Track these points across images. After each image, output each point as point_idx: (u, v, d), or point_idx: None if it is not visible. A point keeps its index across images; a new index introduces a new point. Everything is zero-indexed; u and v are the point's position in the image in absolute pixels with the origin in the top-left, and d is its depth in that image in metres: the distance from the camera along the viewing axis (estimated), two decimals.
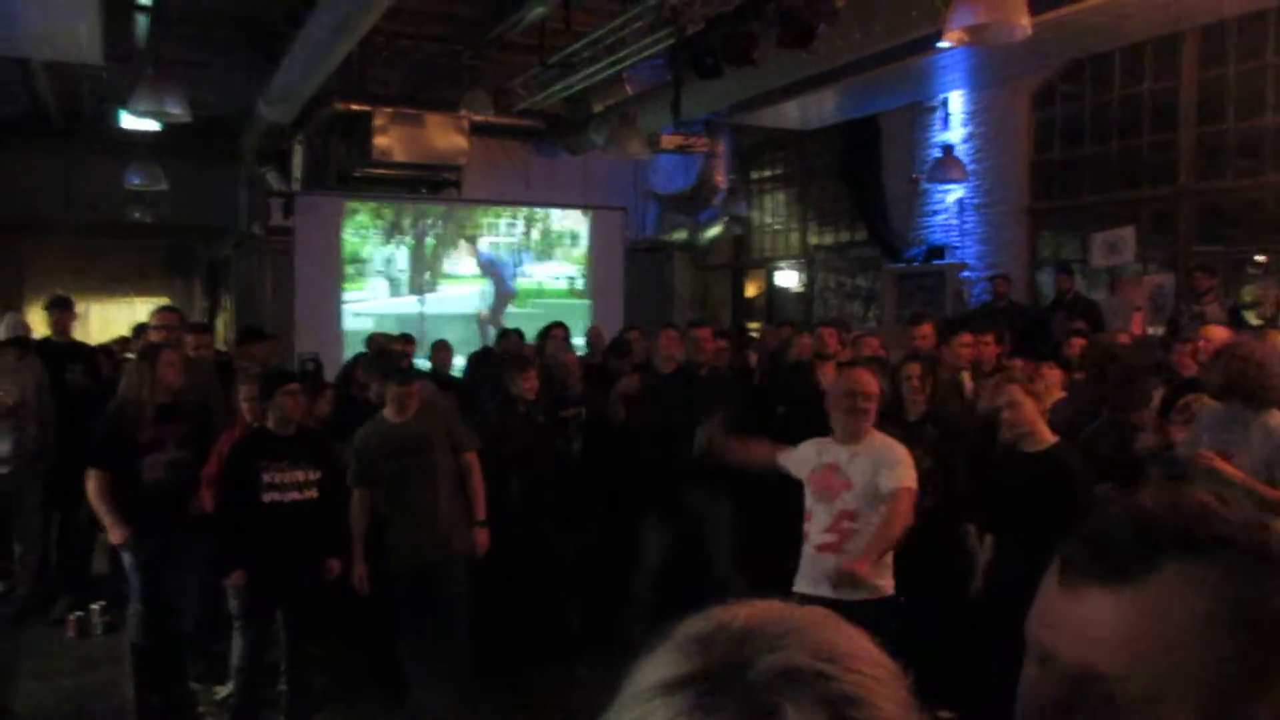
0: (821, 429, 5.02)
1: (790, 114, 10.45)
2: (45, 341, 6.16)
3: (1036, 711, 0.78)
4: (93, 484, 4.47)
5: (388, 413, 4.60)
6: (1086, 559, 0.78)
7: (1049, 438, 3.95)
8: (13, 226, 11.18)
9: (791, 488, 5.02)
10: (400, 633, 4.63)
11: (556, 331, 6.90)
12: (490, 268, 11.28)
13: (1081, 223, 9.33)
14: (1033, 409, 3.93)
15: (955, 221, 10.23)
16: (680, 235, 12.84)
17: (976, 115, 10.06)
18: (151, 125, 10.02)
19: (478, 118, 10.37)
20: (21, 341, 5.66)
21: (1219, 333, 5.04)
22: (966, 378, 5.56)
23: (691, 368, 5.56)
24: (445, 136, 10.66)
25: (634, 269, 11.97)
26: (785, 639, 0.61)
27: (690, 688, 0.59)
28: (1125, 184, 8.92)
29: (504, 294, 11.28)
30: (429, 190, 11.41)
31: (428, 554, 4.51)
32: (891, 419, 4.82)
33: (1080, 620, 0.77)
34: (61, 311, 6.30)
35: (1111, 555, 0.77)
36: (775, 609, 0.65)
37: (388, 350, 5.93)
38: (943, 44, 6.38)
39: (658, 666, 0.62)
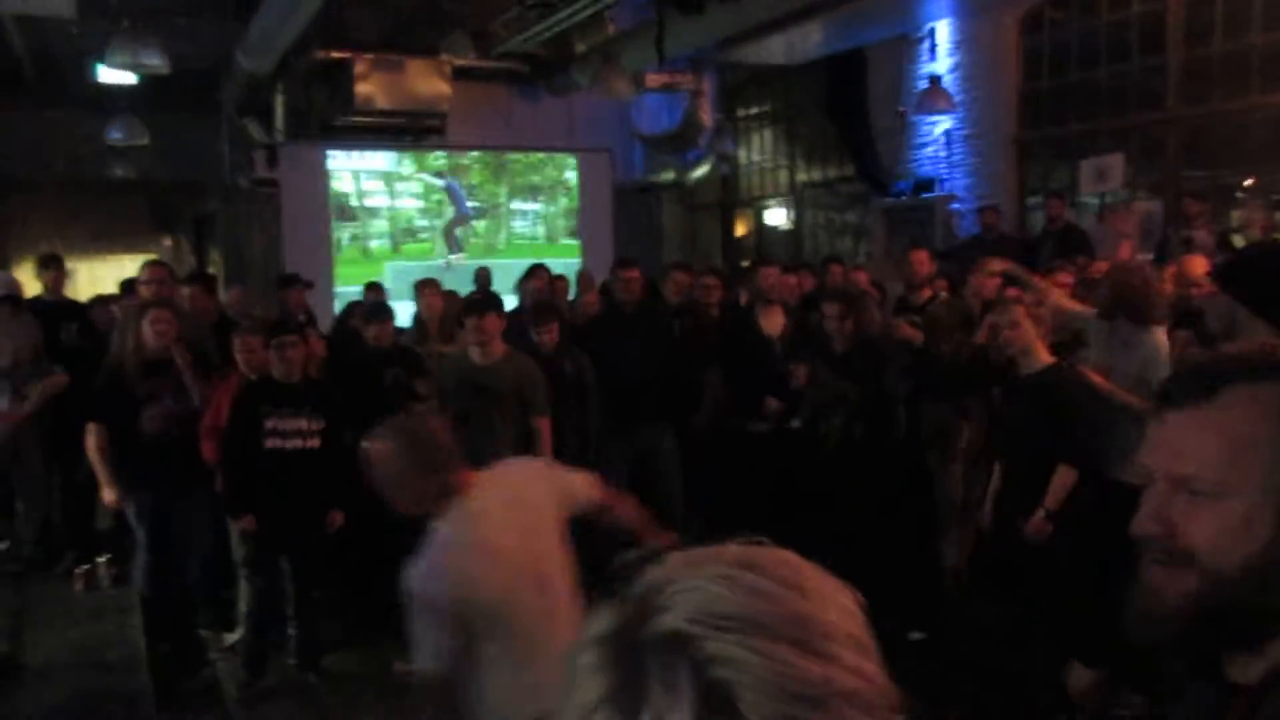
0: (758, 375, 5.14)
1: (776, 49, 10.33)
2: (37, 300, 6.15)
3: (1149, 520, 0.94)
4: (91, 439, 4.52)
5: (471, 351, 4.59)
6: (1173, 390, 0.96)
7: (1045, 359, 4.01)
8: None
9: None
10: None
11: (540, 272, 6.91)
12: (450, 191, 11.36)
13: (1070, 152, 9.31)
14: (1031, 331, 3.98)
15: (943, 153, 10.19)
16: (668, 175, 12.77)
17: (964, 44, 9.96)
18: (129, 78, 9.88)
19: (459, 61, 10.25)
20: (14, 300, 5.65)
21: (1198, 264, 5.05)
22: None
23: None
24: (427, 82, 10.53)
25: (622, 211, 11.92)
26: (676, 598, 0.63)
27: (599, 645, 0.63)
28: (1113, 111, 8.88)
29: (461, 215, 11.36)
30: (413, 137, 11.31)
31: None
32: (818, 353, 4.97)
33: (1168, 438, 0.95)
34: (53, 270, 6.29)
35: (1191, 383, 0.95)
36: (695, 559, 0.67)
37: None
38: None
39: (594, 619, 0.66)
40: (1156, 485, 0.95)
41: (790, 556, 0.68)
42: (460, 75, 10.81)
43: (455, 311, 5.51)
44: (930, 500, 4.98)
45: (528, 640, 2.35)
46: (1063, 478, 3.84)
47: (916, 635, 4.67)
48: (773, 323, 5.66)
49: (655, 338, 5.41)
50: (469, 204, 11.58)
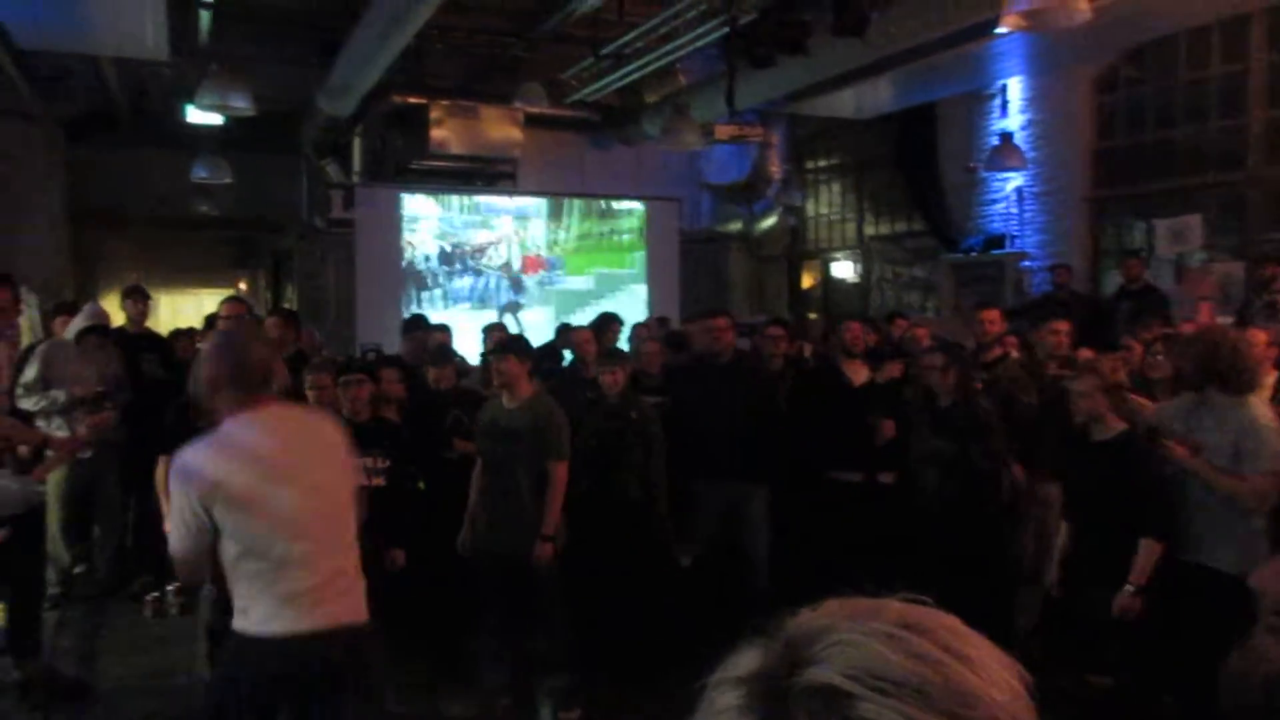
0: (847, 428, 5.06)
1: (845, 102, 10.39)
2: (121, 330, 6.37)
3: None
4: (160, 470, 4.63)
5: (501, 394, 4.66)
6: None
7: (1117, 425, 3.94)
8: (87, 219, 11.52)
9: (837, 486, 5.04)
10: (479, 620, 4.75)
11: (615, 325, 6.99)
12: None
13: (1146, 211, 9.16)
14: (1104, 400, 3.93)
15: (1014, 210, 10.10)
16: (735, 225, 12.83)
17: (1036, 102, 9.91)
18: (216, 119, 10.27)
19: (532, 109, 10.46)
20: (101, 329, 5.86)
21: (1259, 335, 4.93)
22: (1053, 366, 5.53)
23: (709, 357, 5.56)
24: (500, 128, 10.77)
25: (689, 259, 11.99)
26: (833, 650, 0.61)
27: (744, 686, 0.62)
28: (1191, 170, 8.73)
29: (512, 302, 11.51)
30: (484, 182, 11.54)
31: (503, 543, 4.58)
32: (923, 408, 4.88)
33: None
34: (137, 301, 6.52)
35: None
36: (856, 610, 0.65)
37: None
38: (1000, 29, 6.30)
39: (740, 658, 0.64)
40: None
41: (957, 623, 0.65)
42: (532, 122, 11.04)
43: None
44: (1003, 561, 4.87)
45: (271, 557, 2.59)
46: (1149, 553, 3.74)
47: None
48: (856, 375, 5.63)
49: (752, 391, 5.38)
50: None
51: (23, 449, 4.70)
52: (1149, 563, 3.74)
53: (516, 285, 11.39)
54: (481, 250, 11.24)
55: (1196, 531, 3.71)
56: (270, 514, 2.60)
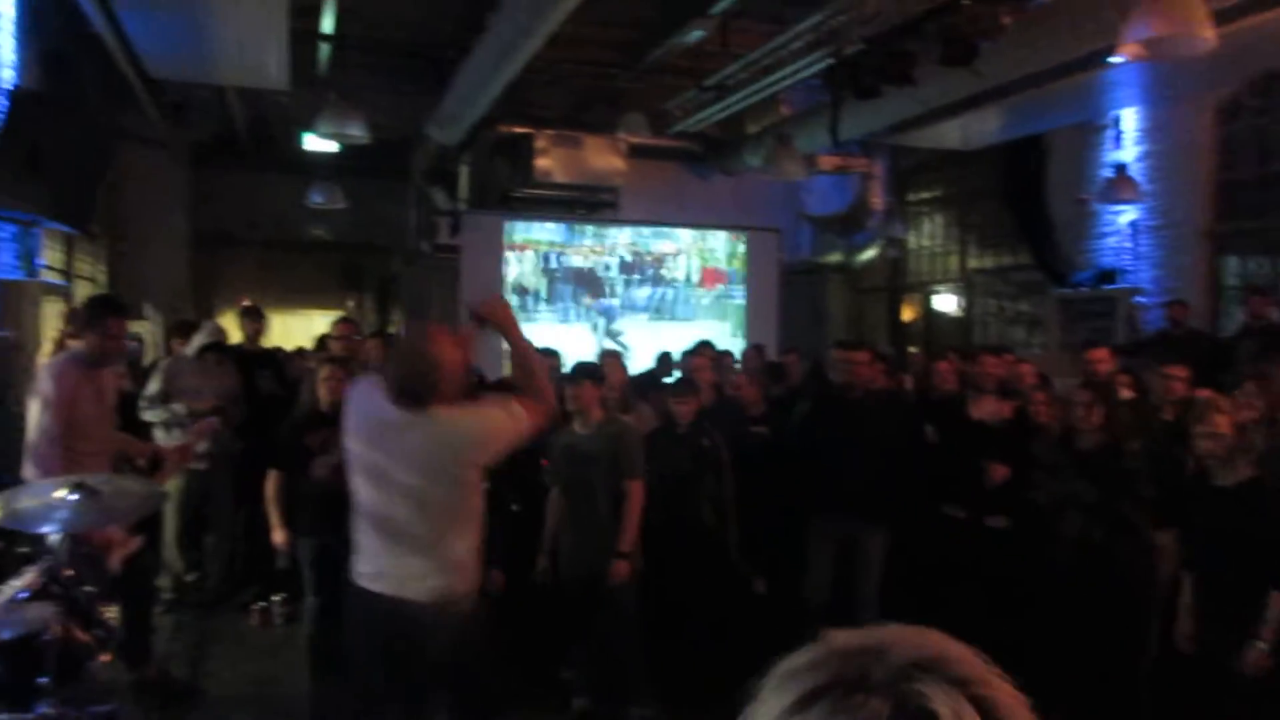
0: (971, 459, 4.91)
1: (951, 134, 10.23)
2: (238, 347, 6.64)
3: None
4: (270, 484, 4.83)
5: (575, 420, 4.74)
6: None
7: (1247, 471, 3.77)
8: (209, 242, 12.07)
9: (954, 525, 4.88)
10: (568, 641, 4.79)
11: (706, 352, 7.00)
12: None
13: (1271, 245, 8.76)
14: (1232, 440, 3.75)
15: (1128, 244, 9.77)
16: (835, 257, 12.72)
17: (1153, 133, 9.59)
18: (332, 147, 10.67)
19: (635, 140, 10.58)
20: (220, 346, 6.13)
21: None
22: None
23: (848, 390, 5.48)
24: (603, 158, 10.92)
25: (788, 291, 11.92)
26: (889, 650, 0.66)
27: (823, 698, 0.64)
28: None
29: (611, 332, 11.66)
30: (586, 211, 11.70)
31: (584, 566, 4.62)
32: (1062, 448, 4.67)
33: None
34: (254, 320, 6.80)
35: None
36: (872, 631, 0.70)
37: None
38: (1117, 58, 6.13)
39: (782, 692, 0.66)
40: None
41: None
42: (634, 152, 11.17)
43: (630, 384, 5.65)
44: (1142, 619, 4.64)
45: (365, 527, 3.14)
46: (1278, 604, 3.55)
47: None
48: (984, 410, 5.48)
49: (895, 427, 5.30)
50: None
51: (139, 461, 4.92)
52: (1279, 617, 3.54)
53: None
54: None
55: None
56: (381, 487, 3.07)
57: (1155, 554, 4.47)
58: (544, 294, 11.68)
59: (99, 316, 4.32)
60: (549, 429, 5.04)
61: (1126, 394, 5.70)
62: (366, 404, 3.15)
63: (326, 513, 4.74)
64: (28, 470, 4.05)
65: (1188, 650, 4.01)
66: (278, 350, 7.61)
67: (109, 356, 4.41)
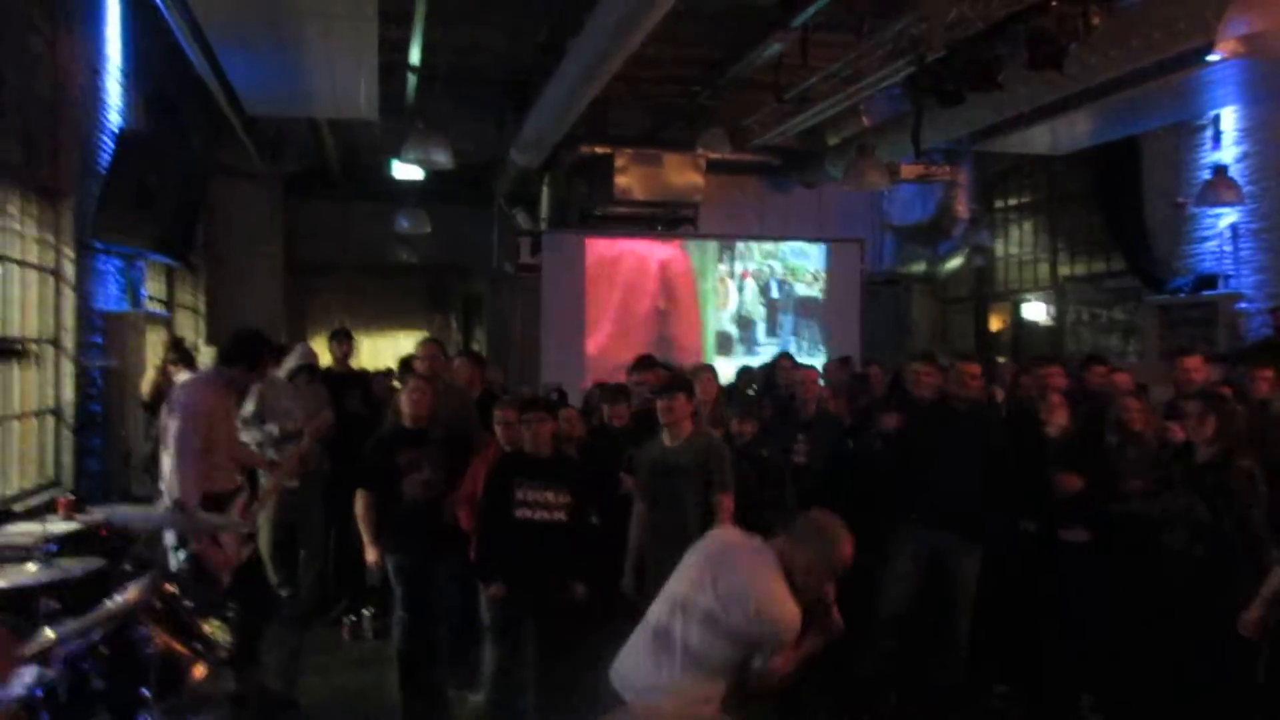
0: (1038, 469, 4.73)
1: (1039, 138, 9.98)
2: (328, 369, 6.82)
3: None
4: (359, 503, 4.94)
5: (662, 434, 4.76)
6: None
7: None
8: (301, 268, 12.45)
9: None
10: None
11: (785, 361, 6.95)
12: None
13: None
14: None
15: (1228, 248, 9.39)
16: (919, 267, 12.51)
17: (1253, 132, 9.21)
18: (417, 174, 10.94)
19: (714, 155, 10.60)
20: (311, 369, 6.30)
21: None
22: None
23: (951, 401, 5.36)
24: (683, 175, 10.96)
25: (871, 301, 11.76)
26: None
27: None
28: None
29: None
30: (666, 227, 11.75)
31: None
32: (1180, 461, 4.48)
33: None
34: (342, 342, 6.98)
35: None
36: None
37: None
38: (1214, 56, 5.91)
39: None
40: None
41: None
42: (714, 167, 11.18)
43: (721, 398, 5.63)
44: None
45: None
46: None
47: None
48: (1055, 423, 5.31)
49: (991, 442, 5.16)
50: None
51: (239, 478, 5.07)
52: None
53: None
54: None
55: None
56: None
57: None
58: (763, 324, 11.61)
59: (258, 353, 4.67)
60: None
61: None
62: None
63: (414, 530, 4.85)
64: (169, 484, 4.26)
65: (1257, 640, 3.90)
66: (365, 372, 7.78)
67: (248, 384, 4.76)
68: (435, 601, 4.98)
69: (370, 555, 4.93)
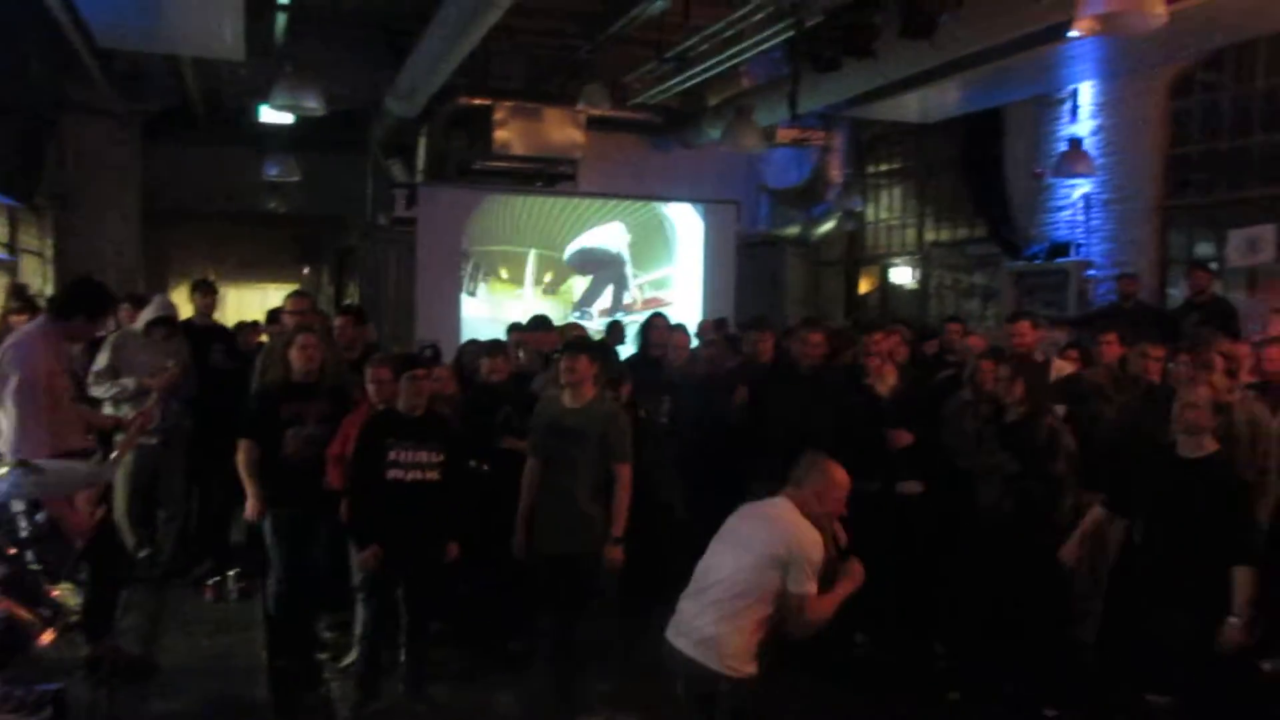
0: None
1: (910, 107, 10.28)
2: (189, 322, 6.54)
3: None
4: (242, 454, 4.78)
5: (563, 393, 4.68)
6: None
7: (1211, 445, 3.87)
8: (161, 215, 11.85)
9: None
10: (532, 617, 4.80)
11: (658, 321, 6.99)
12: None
13: (1218, 221, 8.92)
14: (1211, 415, 3.85)
15: (1081, 218, 9.90)
16: (793, 230, 12.76)
17: (1107, 107, 9.70)
18: (287, 119, 10.51)
19: (594, 111, 10.53)
20: (169, 321, 6.03)
21: None
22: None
23: (795, 365, 5.50)
24: (562, 130, 10.86)
25: (745, 264, 11.95)
26: None
27: None
28: (1267, 180, 8.48)
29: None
30: (545, 183, 11.64)
31: (558, 544, 4.60)
32: (991, 421, 4.76)
33: None
34: (205, 293, 6.70)
35: None
36: None
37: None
38: (1073, 33, 6.18)
39: None
40: None
41: None
42: (594, 124, 11.11)
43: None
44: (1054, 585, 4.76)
45: None
46: (1247, 581, 3.65)
47: (1051, 712, 4.51)
48: (884, 384, 5.52)
49: (830, 404, 5.29)
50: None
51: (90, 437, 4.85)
52: (1250, 592, 3.63)
53: None
54: None
55: None
56: None
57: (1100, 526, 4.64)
58: None
59: (96, 303, 4.47)
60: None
61: (1069, 367, 5.80)
62: None
63: (294, 485, 4.74)
64: (11, 443, 4.04)
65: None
66: (229, 326, 7.51)
67: (89, 336, 4.58)
68: (310, 560, 4.90)
69: (252, 508, 4.79)
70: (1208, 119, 8.96)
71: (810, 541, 3.33)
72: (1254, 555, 3.69)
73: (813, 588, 3.29)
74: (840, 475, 3.50)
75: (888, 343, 5.59)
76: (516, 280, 11.14)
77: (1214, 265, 8.48)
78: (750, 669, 3.29)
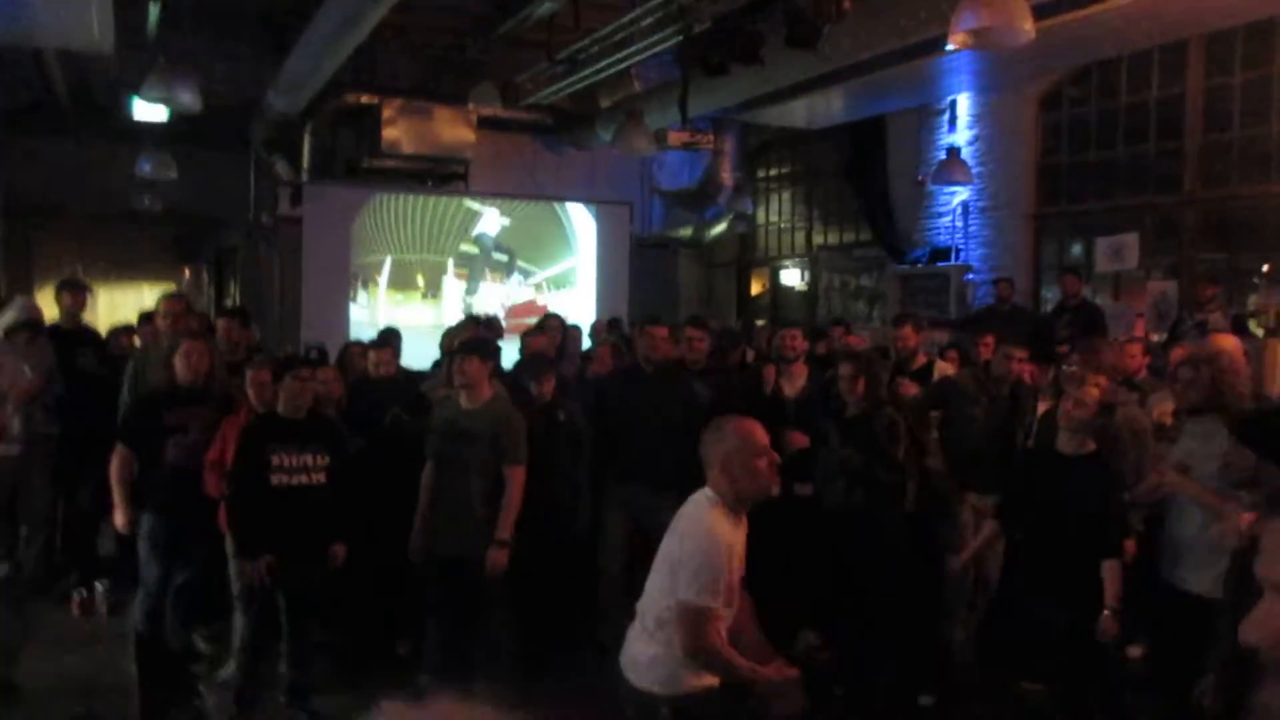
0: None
1: (797, 113, 10.49)
2: (55, 325, 6.21)
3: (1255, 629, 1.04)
4: (116, 463, 4.58)
5: (459, 394, 4.63)
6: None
7: (1089, 444, 4.00)
8: (25, 211, 11.24)
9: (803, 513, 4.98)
10: (422, 621, 4.72)
11: (553, 322, 6.97)
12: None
13: (1087, 228, 9.37)
14: (1094, 414, 3.97)
15: (960, 224, 10.27)
16: (685, 232, 12.89)
17: (983, 118, 10.09)
18: (161, 114, 10.09)
19: (485, 111, 10.42)
20: (33, 325, 5.71)
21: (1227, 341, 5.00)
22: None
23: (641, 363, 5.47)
24: (453, 129, 10.73)
25: (639, 265, 12.01)
26: None
27: None
28: (1131, 190, 8.95)
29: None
30: (436, 183, 11.47)
31: (448, 546, 4.55)
32: (831, 415, 4.89)
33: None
34: (73, 294, 6.34)
35: None
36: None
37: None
38: (949, 46, 6.40)
39: None
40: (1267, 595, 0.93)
41: None
42: (485, 124, 11.00)
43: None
44: (939, 575, 4.91)
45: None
46: (1116, 574, 3.78)
47: (926, 700, 4.64)
48: (792, 385, 5.61)
49: (677, 399, 5.29)
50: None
51: None
52: (1119, 583, 3.78)
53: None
54: None
55: (1171, 554, 3.78)
56: None
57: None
58: None
59: None
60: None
61: (950, 368, 6.00)
62: None
63: (176, 494, 4.55)
64: None
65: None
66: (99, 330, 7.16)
67: None
68: (187, 570, 4.72)
69: (120, 518, 4.58)
70: (1076, 131, 9.41)
71: (703, 537, 2.78)
72: (1118, 549, 3.85)
73: (709, 601, 2.71)
74: (746, 427, 2.89)
75: (802, 343, 5.70)
76: (403, 286, 10.95)
77: (1083, 271, 8.90)
78: (696, 681, 2.80)
